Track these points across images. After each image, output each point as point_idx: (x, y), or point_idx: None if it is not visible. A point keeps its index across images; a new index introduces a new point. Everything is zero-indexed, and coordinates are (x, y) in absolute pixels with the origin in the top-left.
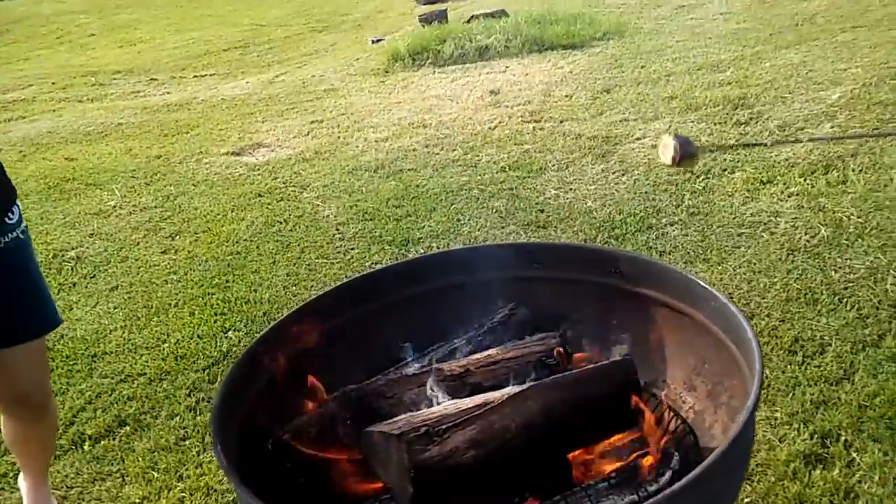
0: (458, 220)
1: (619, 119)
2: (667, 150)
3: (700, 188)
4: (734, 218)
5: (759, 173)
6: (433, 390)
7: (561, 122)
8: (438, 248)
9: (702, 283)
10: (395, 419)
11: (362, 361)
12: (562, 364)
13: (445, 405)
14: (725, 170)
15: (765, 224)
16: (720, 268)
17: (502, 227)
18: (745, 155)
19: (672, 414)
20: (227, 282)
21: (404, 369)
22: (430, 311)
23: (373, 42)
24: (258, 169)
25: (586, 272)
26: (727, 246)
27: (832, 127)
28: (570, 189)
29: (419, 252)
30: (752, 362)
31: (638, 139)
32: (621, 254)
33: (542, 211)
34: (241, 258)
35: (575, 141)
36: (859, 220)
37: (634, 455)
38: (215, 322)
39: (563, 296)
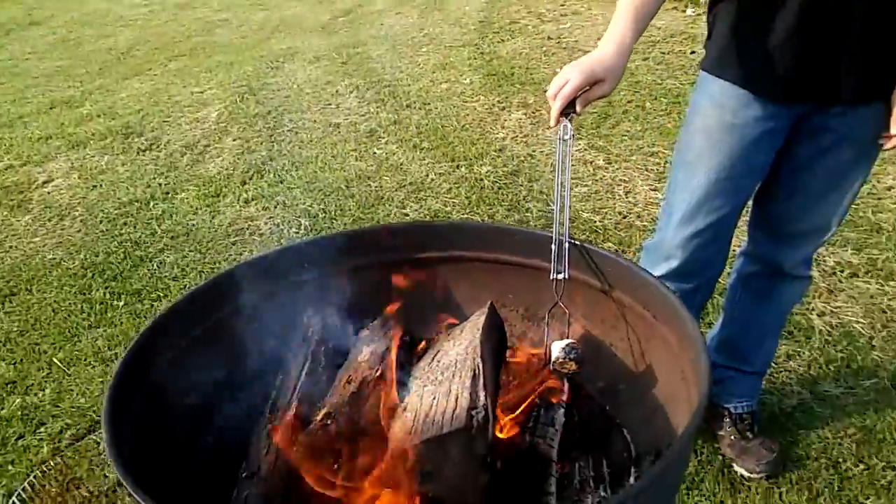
0: None
1: (3, 167)
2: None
3: (160, 215)
4: (217, 231)
5: (205, 189)
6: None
7: None
8: None
9: (495, 226)
10: (408, 422)
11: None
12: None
13: (428, 389)
14: (169, 193)
15: (248, 228)
16: None
17: None
18: (182, 175)
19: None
20: None
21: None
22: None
23: None
24: None
25: (370, 255)
26: (230, 255)
27: (234, 140)
28: (14, 248)
29: None
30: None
31: (49, 181)
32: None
33: (8, 282)
34: None
35: None
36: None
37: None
38: None
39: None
